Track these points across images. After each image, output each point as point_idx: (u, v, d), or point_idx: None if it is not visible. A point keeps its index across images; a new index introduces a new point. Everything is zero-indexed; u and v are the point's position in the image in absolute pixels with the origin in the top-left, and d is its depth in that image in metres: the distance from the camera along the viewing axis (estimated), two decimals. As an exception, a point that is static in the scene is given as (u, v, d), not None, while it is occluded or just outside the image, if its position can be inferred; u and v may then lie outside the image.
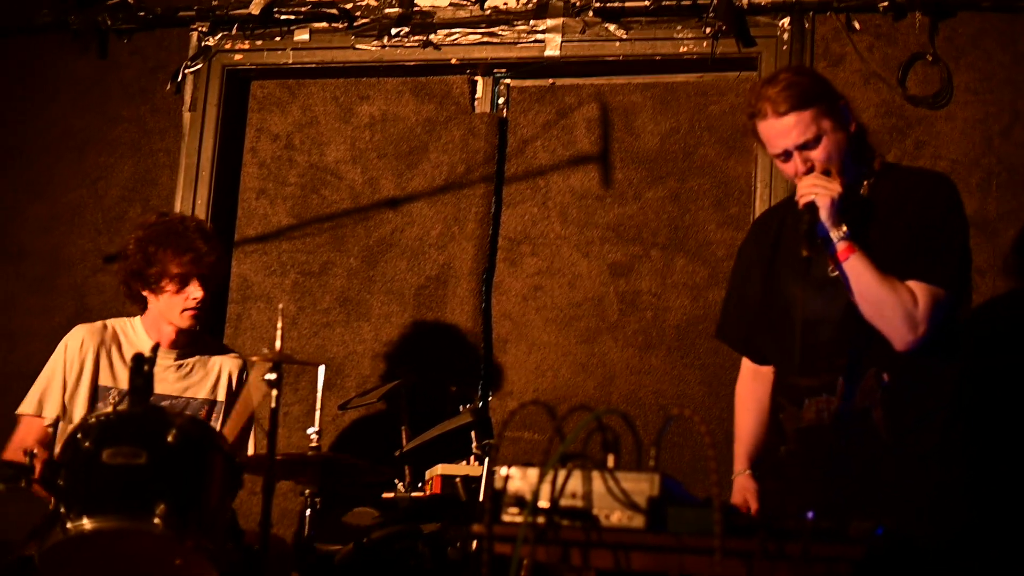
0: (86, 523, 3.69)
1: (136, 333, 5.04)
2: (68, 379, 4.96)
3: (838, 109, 3.96)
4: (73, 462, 3.82)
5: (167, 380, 4.95)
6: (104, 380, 4.97)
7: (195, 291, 4.89)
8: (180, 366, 5.02)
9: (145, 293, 4.96)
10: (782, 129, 3.91)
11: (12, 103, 6.56)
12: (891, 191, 4.00)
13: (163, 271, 4.87)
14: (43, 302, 6.35)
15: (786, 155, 3.95)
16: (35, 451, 4.05)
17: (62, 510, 3.74)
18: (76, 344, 5.00)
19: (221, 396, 5.07)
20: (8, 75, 6.59)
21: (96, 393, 4.93)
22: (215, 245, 4.99)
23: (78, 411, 4.88)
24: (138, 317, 5.07)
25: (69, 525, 3.70)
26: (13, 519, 4.86)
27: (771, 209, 4.57)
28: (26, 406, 4.96)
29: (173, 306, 4.90)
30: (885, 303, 3.81)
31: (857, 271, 3.83)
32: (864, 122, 4.11)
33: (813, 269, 3.95)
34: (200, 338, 5.17)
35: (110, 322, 5.11)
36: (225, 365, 5.11)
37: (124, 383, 4.86)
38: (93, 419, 3.90)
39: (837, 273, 3.92)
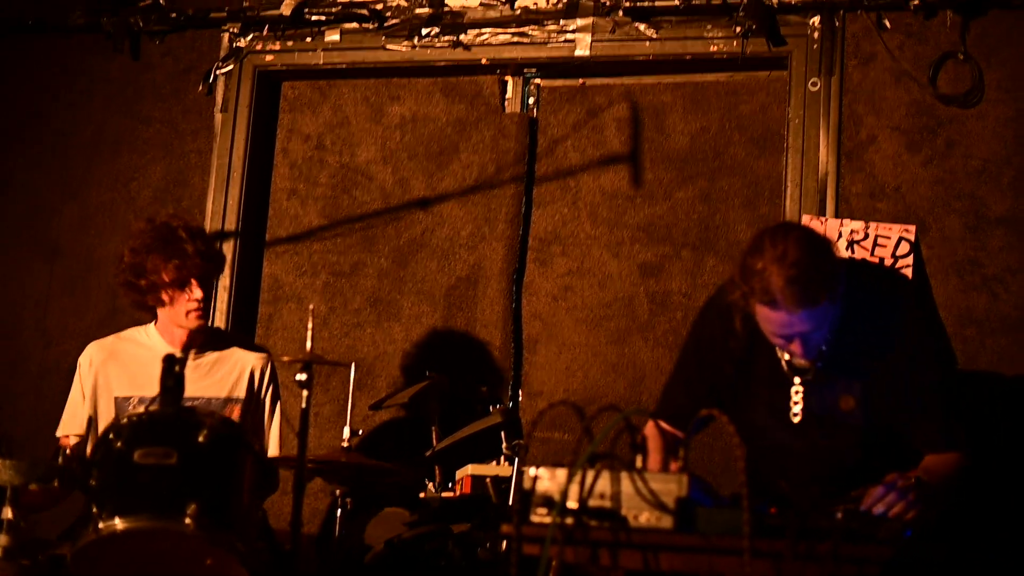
0: (118, 523, 3.71)
1: (151, 339, 5.01)
2: (87, 398, 4.97)
3: (840, 287, 3.71)
4: (105, 462, 3.84)
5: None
6: (122, 391, 4.94)
7: (195, 292, 4.84)
8: (198, 366, 4.97)
9: (150, 303, 4.94)
10: (790, 322, 3.69)
11: (47, 103, 6.61)
12: (870, 318, 3.88)
13: (156, 281, 4.82)
14: (76, 302, 6.39)
15: (788, 337, 3.77)
16: (67, 450, 4.06)
17: (94, 510, 3.76)
18: (87, 363, 5.00)
19: (241, 393, 5.00)
20: (43, 76, 6.63)
21: (118, 405, 4.92)
22: (203, 243, 4.89)
23: (103, 425, 4.88)
24: (152, 324, 5.04)
25: (101, 525, 3.71)
26: (46, 518, 4.88)
27: (727, 306, 3.98)
28: (60, 429, 5.00)
29: (177, 310, 4.86)
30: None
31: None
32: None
33: (782, 405, 3.95)
34: (217, 335, 5.16)
35: (123, 333, 5.09)
36: (247, 361, 5.05)
37: (143, 390, 4.87)
38: (125, 419, 3.91)
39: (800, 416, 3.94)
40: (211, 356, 5.02)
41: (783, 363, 3.94)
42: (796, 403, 3.93)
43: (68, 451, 4.08)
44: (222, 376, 5.01)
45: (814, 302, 3.63)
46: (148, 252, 4.82)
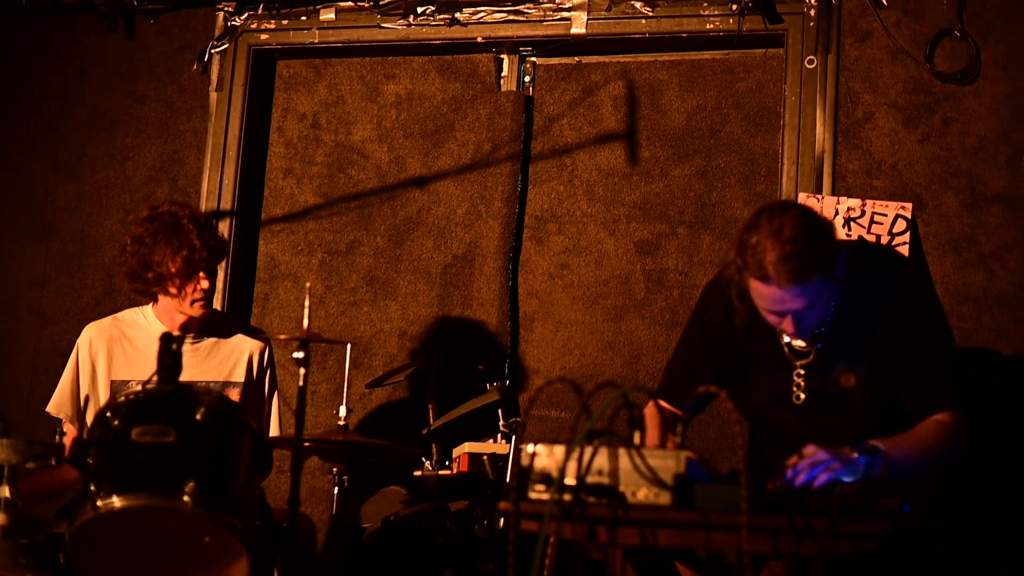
0: (116, 501, 3.70)
1: (149, 322, 4.97)
2: (83, 380, 4.93)
3: (835, 267, 3.72)
4: (102, 441, 3.82)
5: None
6: (119, 375, 4.91)
7: (201, 283, 4.80)
8: (195, 350, 4.95)
9: (154, 290, 4.89)
10: (783, 298, 3.68)
11: (42, 83, 6.59)
12: (870, 299, 3.90)
13: (162, 273, 4.76)
14: (72, 282, 6.38)
15: (780, 314, 3.77)
16: (64, 430, 4.05)
17: (92, 488, 3.75)
18: (85, 345, 4.96)
19: (239, 377, 4.99)
20: (38, 55, 6.61)
21: (114, 388, 4.88)
22: (210, 235, 4.84)
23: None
24: (150, 306, 5.00)
25: (99, 503, 3.71)
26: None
27: (727, 286, 3.98)
28: (51, 406, 4.95)
29: (182, 299, 4.82)
30: (936, 460, 3.76)
31: (901, 464, 3.62)
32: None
33: (785, 387, 3.96)
34: (215, 318, 5.09)
35: (121, 314, 5.05)
36: (245, 346, 5.03)
37: (140, 374, 4.84)
38: (122, 398, 3.90)
39: (804, 399, 3.95)
40: (210, 340, 4.99)
41: (784, 347, 3.95)
42: (798, 386, 3.93)
43: (64, 429, 4.06)
44: (220, 360, 4.98)
45: (806, 279, 3.62)
46: (154, 243, 4.74)
